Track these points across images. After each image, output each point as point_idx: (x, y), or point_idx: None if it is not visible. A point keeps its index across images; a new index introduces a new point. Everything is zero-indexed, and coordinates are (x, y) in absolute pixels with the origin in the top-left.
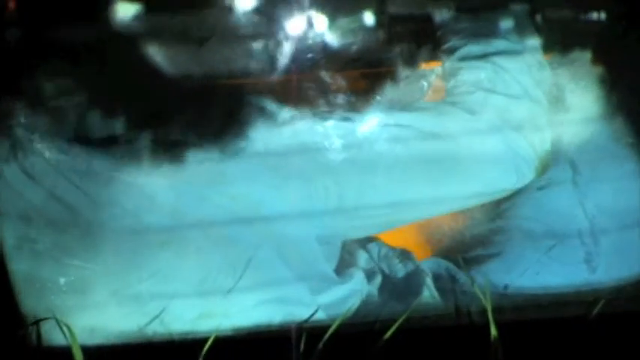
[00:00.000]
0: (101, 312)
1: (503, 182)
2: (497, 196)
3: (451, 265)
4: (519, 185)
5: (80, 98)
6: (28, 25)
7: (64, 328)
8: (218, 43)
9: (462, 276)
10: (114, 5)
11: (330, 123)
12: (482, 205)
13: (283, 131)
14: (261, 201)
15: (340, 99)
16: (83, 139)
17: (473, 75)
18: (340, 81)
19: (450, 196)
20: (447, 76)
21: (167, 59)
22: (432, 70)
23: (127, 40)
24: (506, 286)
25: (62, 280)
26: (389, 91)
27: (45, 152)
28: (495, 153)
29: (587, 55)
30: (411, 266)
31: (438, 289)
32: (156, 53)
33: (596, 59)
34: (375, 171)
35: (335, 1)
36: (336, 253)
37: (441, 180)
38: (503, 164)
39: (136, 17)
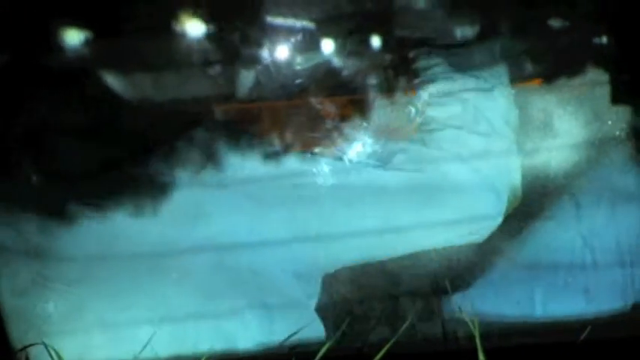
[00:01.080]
0: (89, 337)
1: (473, 211)
2: (471, 230)
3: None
4: (490, 214)
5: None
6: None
7: (53, 353)
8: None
9: (451, 302)
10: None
11: (309, 158)
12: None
13: (263, 163)
14: (242, 232)
15: (326, 125)
16: (69, 170)
17: (441, 112)
18: (326, 108)
19: (423, 227)
20: (417, 112)
21: (142, 89)
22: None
23: (106, 72)
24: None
25: (51, 306)
26: (376, 118)
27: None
28: (464, 186)
29: (580, 81)
30: None
31: (427, 314)
32: (131, 85)
33: (590, 85)
34: (352, 205)
35: (319, 29)
36: (316, 288)
37: (415, 212)
38: (472, 197)
39: (106, 47)
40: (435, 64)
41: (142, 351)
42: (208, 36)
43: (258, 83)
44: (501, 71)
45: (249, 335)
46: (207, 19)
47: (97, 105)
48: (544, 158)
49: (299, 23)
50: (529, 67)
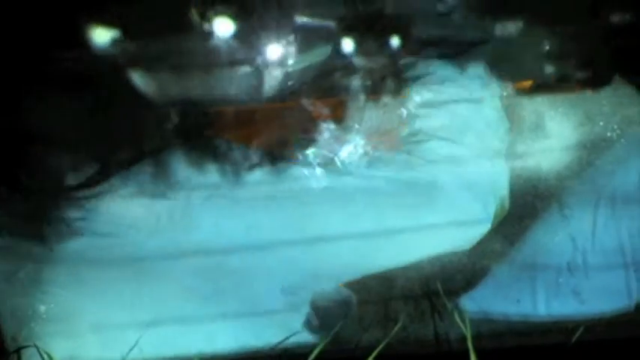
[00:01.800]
0: (80, 339)
1: (460, 217)
2: (460, 236)
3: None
4: (477, 221)
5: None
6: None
7: (45, 356)
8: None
9: (443, 304)
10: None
11: (297, 162)
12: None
13: (253, 167)
14: (232, 237)
15: (314, 129)
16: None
17: (427, 123)
18: (315, 110)
19: (413, 232)
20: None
21: (130, 95)
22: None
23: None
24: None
25: (43, 309)
26: (367, 119)
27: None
28: (450, 195)
29: (571, 85)
30: None
31: (419, 316)
32: (118, 91)
33: (582, 88)
34: (340, 210)
35: (312, 30)
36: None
37: (403, 217)
38: (458, 205)
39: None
40: (425, 73)
41: (129, 353)
42: (198, 38)
43: (246, 86)
44: (492, 82)
45: (239, 340)
46: (197, 20)
47: (88, 111)
48: (538, 161)
49: (288, 25)
50: (521, 72)
